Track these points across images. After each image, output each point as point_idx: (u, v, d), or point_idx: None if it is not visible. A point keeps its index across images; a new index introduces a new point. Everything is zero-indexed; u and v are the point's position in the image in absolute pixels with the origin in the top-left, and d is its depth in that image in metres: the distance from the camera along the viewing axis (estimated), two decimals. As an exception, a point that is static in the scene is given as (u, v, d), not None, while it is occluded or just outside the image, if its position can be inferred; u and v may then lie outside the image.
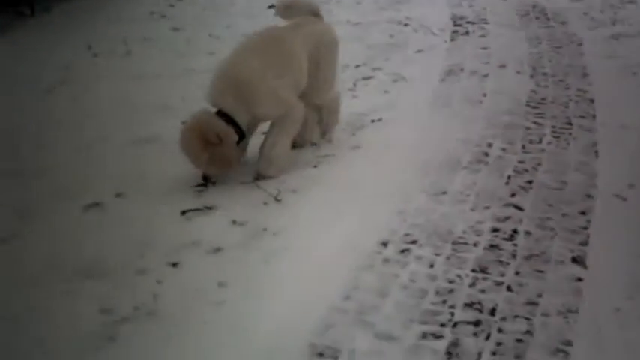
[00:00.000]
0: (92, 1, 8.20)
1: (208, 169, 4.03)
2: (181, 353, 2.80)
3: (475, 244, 3.43)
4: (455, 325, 2.90)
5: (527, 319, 2.92)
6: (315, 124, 4.54)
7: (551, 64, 5.91)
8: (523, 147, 4.42)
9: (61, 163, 4.41)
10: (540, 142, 4.50)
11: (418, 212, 3.72)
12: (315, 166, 4.28)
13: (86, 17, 7.60)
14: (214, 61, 4.54)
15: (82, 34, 7.05)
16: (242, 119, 4.02)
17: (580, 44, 6.39)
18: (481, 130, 4.66)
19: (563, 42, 6.47)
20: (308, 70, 4.23)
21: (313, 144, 4.55)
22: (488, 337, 2.82)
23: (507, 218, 3.65)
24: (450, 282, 3.16)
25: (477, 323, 2.90)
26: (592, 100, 5.14)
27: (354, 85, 5.57)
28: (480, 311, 2.97)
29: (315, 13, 4.44)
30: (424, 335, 2.84)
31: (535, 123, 4.78)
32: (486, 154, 4.34)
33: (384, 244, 3.45)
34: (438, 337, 2.83)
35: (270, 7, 7.85)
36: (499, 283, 3.14)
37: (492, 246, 3.42)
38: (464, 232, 3.53)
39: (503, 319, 2.92)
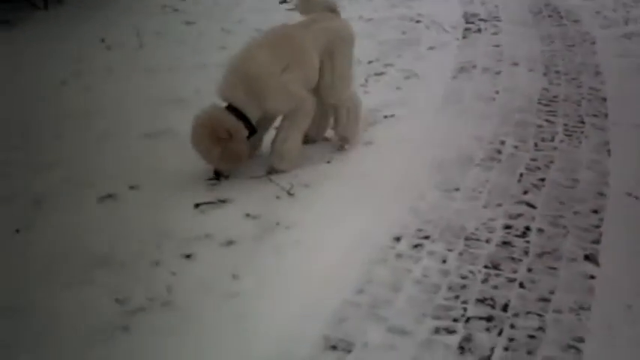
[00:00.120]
0: (104, -6, 8.24)
1: (219, 165, 4.05)
2: (195, 344, 2.83)
3: (487, 241, 3.44)
4: (467, 320, 2.91)
5: (540, 315, 2.93)
6: (328, 121, 4.52)
7: (564, 63, 5.91)
8: (535, 145, 4.43)
9: (74, 155, 4.43)
10: (553, 140, 4.50)
11: (431, 208, 3.73)
12: (328, 162, 4.29)
13: (99, 10, 7.62)
14: (226, 56, 4.54)
15: (95, 26, 7.07)
16: (253, 114, 4.03)
17: (593, 43, 6.40)
18: (493, 128, 4.67)
19: (576, 40, 6.48)
20: (323, 66, 4.23)
21: (326, 139, 4.55)
22: (500, 333, 2.84)
23: (520, 215, 3.66)
24: (463, 278, 3.18)
25: (489, 319, 2.92)
26: (604, 99, 5.15)
27: (366, 81, 5.57)
28: (493, 307, 2.98)
29: (333, 10, 4.44)
30: (437, 330, 2.86)
31: (547, 121, 4.78)
32: (499, 152, 4.34)
33: (397, 239, 3.46)
34: (450, 332, 2.85)
35: (282, 2, 7.88)
36: (511, 280, 3.16)
37: (505, 243, 3.43)
38: (476, 228, 3.55)
39: (515, 315, 2.94)
